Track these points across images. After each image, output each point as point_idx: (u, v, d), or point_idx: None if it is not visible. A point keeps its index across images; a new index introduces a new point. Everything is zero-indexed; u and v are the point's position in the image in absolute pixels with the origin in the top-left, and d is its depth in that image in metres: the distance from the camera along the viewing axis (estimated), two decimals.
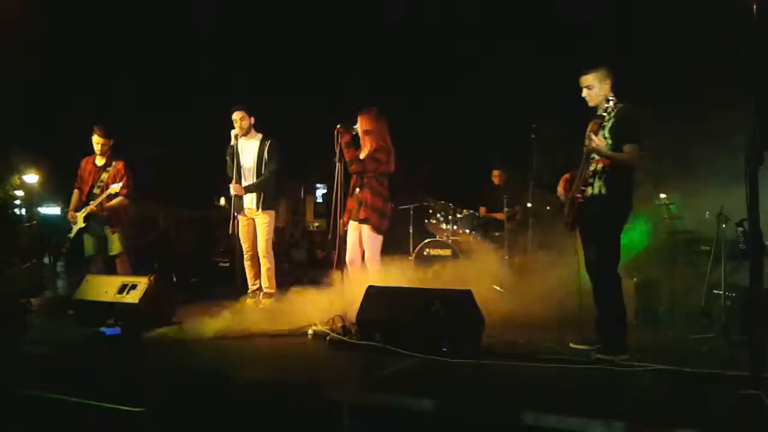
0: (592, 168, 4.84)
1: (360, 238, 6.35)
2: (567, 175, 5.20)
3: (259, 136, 6.94)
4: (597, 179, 4.80)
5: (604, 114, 4.77)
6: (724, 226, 5.48)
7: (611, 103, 4.76)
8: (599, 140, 4.66)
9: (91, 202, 7.07)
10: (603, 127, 4.77)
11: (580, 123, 5.00)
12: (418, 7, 12.35)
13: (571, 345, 4.96)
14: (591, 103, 4.90)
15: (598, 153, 4.71)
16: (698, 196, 6.62)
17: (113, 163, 7.24)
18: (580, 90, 4.94)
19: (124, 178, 7.07)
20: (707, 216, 6.32)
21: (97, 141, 7.21)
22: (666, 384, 3.98)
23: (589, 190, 4.84)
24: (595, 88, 4.85)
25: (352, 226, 6.41)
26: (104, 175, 7.18)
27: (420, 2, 12.38)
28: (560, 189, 5.22)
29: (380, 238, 6.35)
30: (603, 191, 4.78)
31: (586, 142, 4.81)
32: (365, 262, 6.37)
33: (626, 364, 4.32)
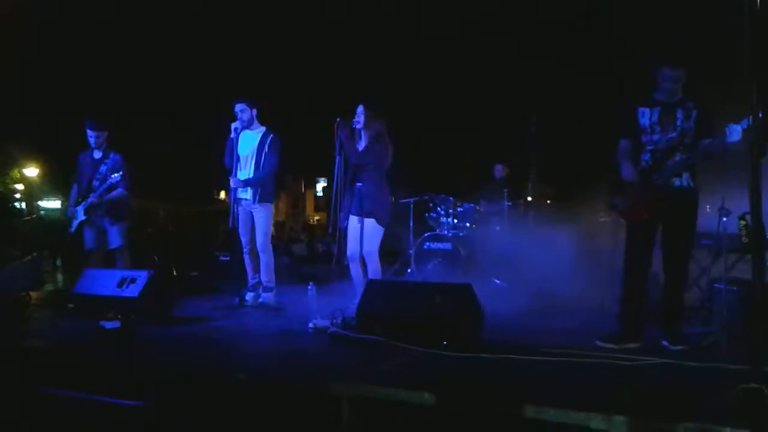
0: (677, 158, 4.77)
1: (361, 231, 6.33)
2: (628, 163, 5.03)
3: (263, 128, 6.91)
4: (685, 171, 4.78)
5: (685, 103, 4.77)
6: (725, 219, 5.46)
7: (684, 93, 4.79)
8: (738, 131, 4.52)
9: (92, 195, 7.06)
10: (688, 117, 4.74)
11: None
12: (418, 6, 12.36)
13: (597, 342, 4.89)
14: (672, 94, 4.83)
15: (727, 147, 4.53)
16: (699, 188, 6.60)
17: (111, 155, 7.23)
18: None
19: (123, 170, 7.05)
20: (708, 209, 6.30)
21: (90, 135, 7.21)
22: (667, 378, 3.97)
23: (677, 182, 4.80)
24: (681, 82, 4.80)
25: (353, 220, 6.39)
26: (102, 167, 7.17)
27: (421, 2, 12.39)
28: (629, 174, 4.96)
29: (382, 231, 6.34)
30: (690, 184, 4.79)
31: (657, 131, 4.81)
32: (364, 256, 6.35)
33: (629, 358, 4.31)
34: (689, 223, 4.83)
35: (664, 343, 4.72)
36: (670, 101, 4.83)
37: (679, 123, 4.77)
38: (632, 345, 4.74)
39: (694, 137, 4.74)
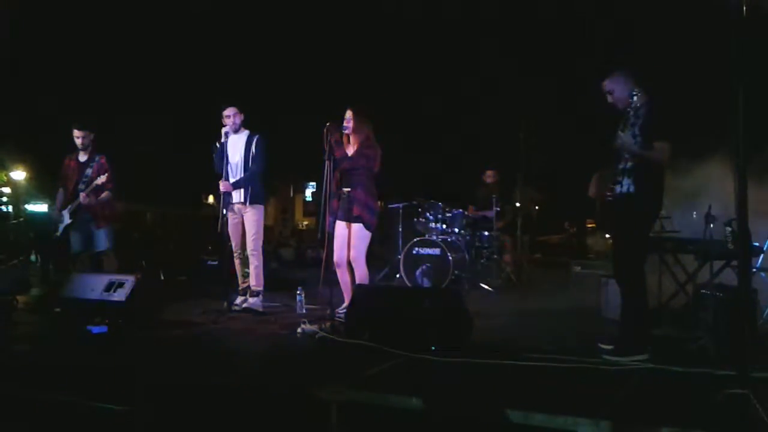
0: (621, 166, 4.74)
1: (349, 236, 6.34)
2: (598, 174, 5.05)
3: (246, 132, 6.92)
4: (626, 177, 4.70)
5: (630, 110, 4.70)
6: (711, 225, 5.49)
7: (636, 98, 4.67)
8: (626, 137, 4.58)
9: (81, 194, 7.01)
10: (633, 125, 4.66)
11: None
12: (412, 9, 12.37)
13: (601, 345, 4.88)
14: (619, 106, 4.81)
15: (626, 151, 4.63)
16: (686, 195, 6.65)
17: (96, 157, 7.21)
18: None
19: (108, 172, 7.02)
20: (695, 216, 6.34)
21: (76, 135, 7.19)
22: (654, 383, 3.99)
23: (618, 189, 4.74)
24: (617, 92, 4.79)
25: (341, 225, 6.39)
26: (88, 171, 7.14)
27: (416, 3, 12.40)
28: (592, 188, 5.07)
29: (369, 236, 6.35)
30: (631, 190, 4.67)
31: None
32: (351, 261, 6.35)
33: (616, 363, 4.32)
34: (627, 229, 4.75)
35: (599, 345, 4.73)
36: (626, 110, 4.79)
37: (628, 130, 4.73)
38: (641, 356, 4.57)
39: (639, 141, 4.63)
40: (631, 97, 4.70)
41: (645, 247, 4.78)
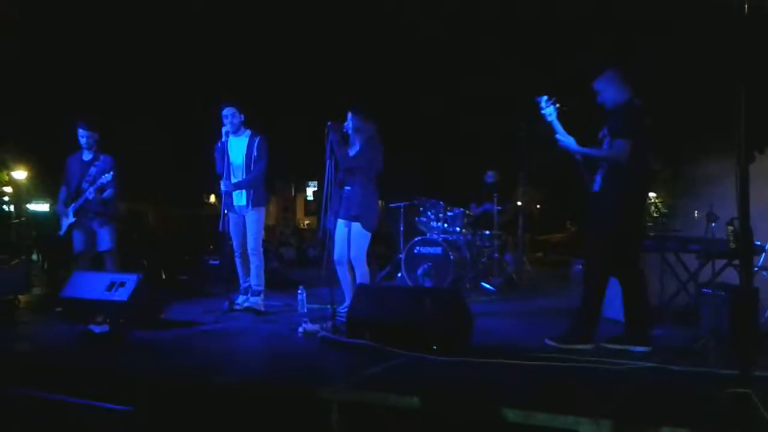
0: (597, 164, 4.85)
1: (349, 236, 6.34)
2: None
3: (248, 132, 6.90)
4: (598, 176, 4.83)
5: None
6: (713, 225, 5.49)
7: (621, 100, 4.79)
8: (564, 138, 4.79)
9: (90, 189, 7.01)
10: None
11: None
12: (412, 9, 12.36)
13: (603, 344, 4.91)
14: (609, 107, 4.87)
15: (567, 151, 4.82)
16: (688, 194, 6.65)
17: (101, 157, 7.21)
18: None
19: (113, 172, 7.02)
20: (696, 215, 6.34)
21: (81, 134, 7.19)
22: (655, 382, 3.98)
23: (593, 186, 4.86)
24: (603, 93, 4.85)
25: (341, 224, 6.39)
26: (92, 169, 7.14)
27: (414, 4, 12.39)
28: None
29: (369, 235, 6.34)
30: (596, 189, 4.81)
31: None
32: (351, 260, 6.35)
33: (617, 362, 4.32)
34: (594, 225, 4.87)
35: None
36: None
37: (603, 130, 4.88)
38: (582, 346, 4.73)
39: (608, 140, 4.78)
40: (618, 98, 4.76)
41: (606, 247, 4.80)
